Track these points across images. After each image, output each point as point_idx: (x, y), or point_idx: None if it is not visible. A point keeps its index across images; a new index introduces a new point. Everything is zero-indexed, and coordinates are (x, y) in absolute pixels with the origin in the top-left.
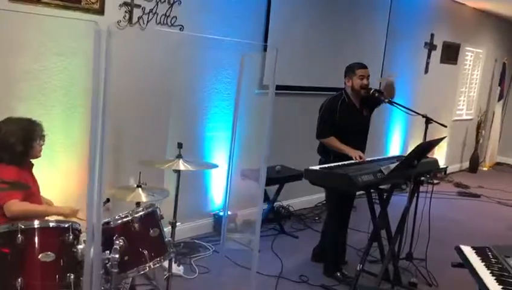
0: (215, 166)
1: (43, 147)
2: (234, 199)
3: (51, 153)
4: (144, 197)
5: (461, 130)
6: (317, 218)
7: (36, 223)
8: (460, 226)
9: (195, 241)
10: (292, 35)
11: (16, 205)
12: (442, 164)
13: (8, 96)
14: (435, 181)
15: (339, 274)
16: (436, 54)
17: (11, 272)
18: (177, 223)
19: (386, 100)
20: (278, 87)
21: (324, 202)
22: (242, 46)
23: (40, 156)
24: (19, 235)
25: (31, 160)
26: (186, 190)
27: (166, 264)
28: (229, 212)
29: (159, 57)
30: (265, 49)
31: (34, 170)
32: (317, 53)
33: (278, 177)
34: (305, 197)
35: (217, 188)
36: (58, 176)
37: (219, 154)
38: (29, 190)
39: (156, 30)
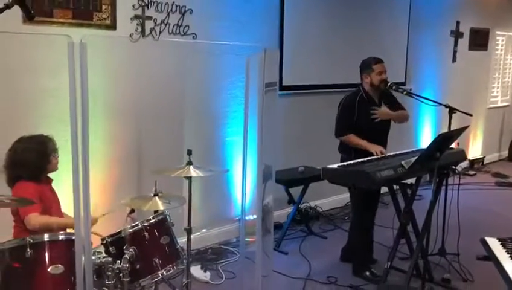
0: (227, 170)
1: (58, 159)
2: (258, 202)
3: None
4: (160, 206)
5: (497, 117)
6: (346, 217)
7: (46, 237)
8: (499, 218)
9: (222, 246)
10: (308, 33)
11: (36, 219)
12: (478, 154)
13: (27, 115)
14: (471, 172)
15: (368, 273)
16: (464, 42)
17: (22, 285)
18: (203, 230)
19: (405, 92)
20: (297, 87)
21: None
22: (257, 51)
23: (56, 169)
24: (28, 250)
25: (48, 175)
26: (209, 196)
27: (193, 271)
28: (254, 216)
29: (174, 66)
30: (280, 51)
31: (55, 184)
32: (336, 49)
33: (302, 178)
34: (333, 197)
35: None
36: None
37: (239, 159)
38: (49, 205)
39: (169, 40)
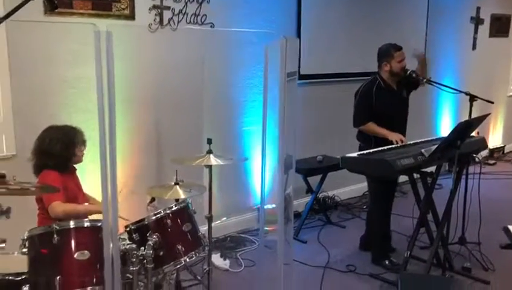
0: (246, 159)
1: (84, 152)
2: (276, 192)
3: (94, 156)
4: (181, 194)
5: None
6: (365, 207)
7: (71, 224)
8: None
9: (241, 235)
10: (326, 21)
11: (59, 207)
12: (498, 143)
13: (48, 105)
14: (491, 161)
15: (387, 262)
16: (484, 28)
17: (50, 271)
18: (223, 218)
19: (425, 80)
20: (315, 76)
21: None
22: (275, 39)
23: (81, 161)
24: (55, 236)
25: (74, 165)
26: (229, 185)
27: (213, 259)
28: (272, 205)
29: (192, 56)
30: (298, 38)
31: (81, 174)
32: (354, 37)
33: (320, 168)
34: (352, 186)
35: (260, 182)
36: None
37: (259, 148)
38: (73, 194)
39: (187, 30)
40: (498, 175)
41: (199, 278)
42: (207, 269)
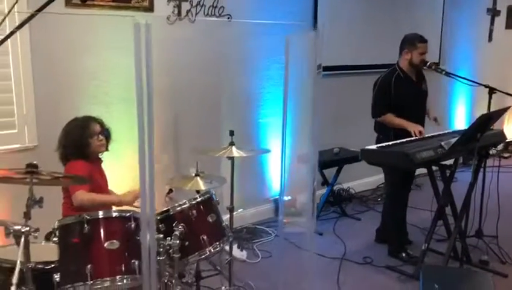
0: (268, 151)
1: (104, 142)
2: (293, 184)
3: (115, 148)
4: (202, 185)
5: None
6: (379, 199)
7: (100, 214)
8: None
9: (257, 226)
10: (342, 12)
11: (83, 195)
12: None
13: (70, 96)
14: (506, 155)
15: (403, 254)
16: (501, 20)
17: (81, 259)
18: (240, 210)
19: (444, 72)
20: (331, 68)
21: None
22: (291, 30)
23: (102, 151)
24: (86, 226)
25: (99, 156)
26: (245, 176)
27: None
28: (288, 197)
29: (210, 47)
30: (315, 29)
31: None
32: (370, 29)
33: (337, 160)
34: (366, 179)
35: (276, 174)
36: (122, 169)
37: (274, 140)
38: (97, 184)
39: (205, 22)
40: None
41: (219, 268)
42: (228, 259)
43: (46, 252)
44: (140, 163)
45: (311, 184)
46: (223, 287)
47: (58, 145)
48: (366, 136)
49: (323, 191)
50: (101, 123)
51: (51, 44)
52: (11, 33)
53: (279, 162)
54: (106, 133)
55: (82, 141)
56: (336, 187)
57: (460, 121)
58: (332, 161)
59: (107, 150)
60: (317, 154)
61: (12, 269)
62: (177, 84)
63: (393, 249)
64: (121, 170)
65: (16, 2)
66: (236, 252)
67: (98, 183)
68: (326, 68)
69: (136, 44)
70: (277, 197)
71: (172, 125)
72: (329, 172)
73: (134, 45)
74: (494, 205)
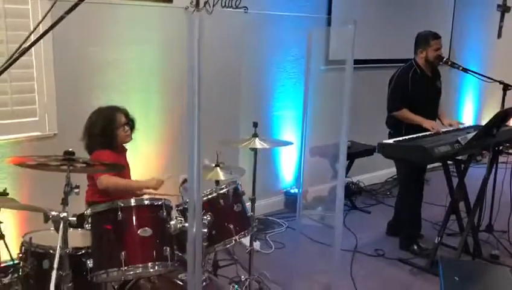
0: (290, 143)
1: (129, 132)
2: (304, 176)
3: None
4: (222, 176)
5: None
6: (388, 193)
7: (132, 201)
8: None
9: (269, 218)
10: (356, 6)
11: (108, 179)
12: None
13: (90, 86)
14: (508, 151)
15: (415, 247)
16: (510, 16)
17: (115, 246)
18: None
19: (460, 68)
20: (343, 62)
21: (395, 176)
22: (305, 23)
23: (127, 141)
24: (119, 213)
25: (124, 145)
26: (257, 168)
27: (243, 240)
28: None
29: (226, 39)
30: (329, 24)
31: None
32: (382, 24)
33: (349, 153)
34: (375, 173)
35: (287, 166)
36: (140, 159)
37: (287, 133)
38: (123, 173)
39: (222, 13)
40: None
41: (236, 258)
42: (249, 249)
43: (74, 238)
44: (190, 153)
45: (342, 178)
46: (242, 277)
47: (84, 135)
48: (377, 129)
49: (333, 184)
50: (126, 113)
51: (73, 33)
52: (61, 18)
53: (290, 155)
54: (131, 123)
55: (108, 133)
56: (345, 180)
57: (468, 116)
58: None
59: (131, 138)
60: (346, 148)
61: (44, 255)
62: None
63: (405, 242)
64: (134, 159)
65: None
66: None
67: (124, 172)
68: (338, 62)
69: (190, 37)
70: (288, 189)
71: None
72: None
73: (188, 38)
74: (506, 200)
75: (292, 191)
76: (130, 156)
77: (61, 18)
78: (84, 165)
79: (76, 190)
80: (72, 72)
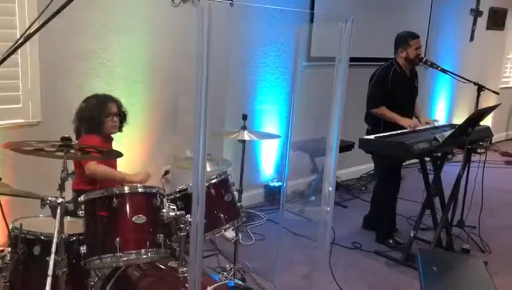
0: (278, 136)
1: (117, 124)
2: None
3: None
4: (208, 167)
5: (508, 97)
6: (364, 188)
7: (127, 189)
8: (510, 195)
9: (249, 210)
10: (338, 5)
11: (96, 166)
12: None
13: (75, 74)
14: (481, 150)
15: (391, 241)
16: (482, 21)
17: (109, 232)
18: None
19: (439, 68)
20: (326, 59)
21: (370, 172)
22: (288, 20)
23: (113, 132)
24: (115, 199)
25: (111, 135)
26: (238, 161)
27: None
28: (280, 183)
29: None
30: (311, 20)
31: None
32: (362, 23)
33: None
34: (351, 168)
35: (268, 160)
36: (123, 149)
37: (269, 127)
38: (108, 161)
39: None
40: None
41: (219, 248)
42: (234, 239)
43: (69, 225)
44: (196, 143)
45: (333, 175)
46: (227, 265)
47: (75, 118)
48: (355, 126)
49: (313, 177)
50: (119, 105)
51: (58, 22)
52: (49, 19)
53: (271, 148)
54: (122, 115)
55: (96, 118)
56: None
57: (441, 114)
58: (323, 149)
59: (120, 131)
60: (338, 143)
61: (35, 241)
62: (178, 67)
63: (381, 236)
64: (119, 148)
65: None
66: (231, 234)
67: (109, 161)
68: (319, 59)
69: (199, 27)
70: (268, 182)
71: (172, 107)
72: (320, 160)
73: (197, 28)
74: (477, 197)
75: (272, 184)
76: (114, 146)
77: (50, 19)
78: (79, 151)
79: (73, 176)
80: (57, 60)
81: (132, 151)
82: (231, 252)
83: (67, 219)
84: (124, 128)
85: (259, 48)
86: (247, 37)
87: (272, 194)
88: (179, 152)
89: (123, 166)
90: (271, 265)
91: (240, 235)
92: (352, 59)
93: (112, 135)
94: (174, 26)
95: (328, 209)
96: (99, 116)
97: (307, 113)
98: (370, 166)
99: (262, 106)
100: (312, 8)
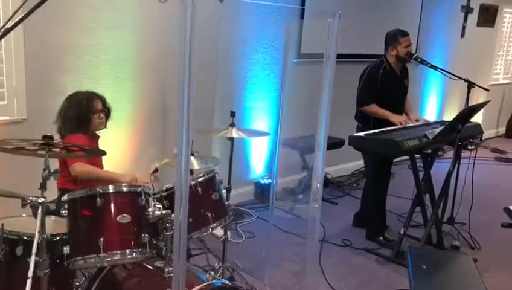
0: (267, 134)
1: (104, 120)
2: (321, 171)
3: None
4: (196, 165)
5: (498, 94)
6: (355, 185)
7: (111, 188)
8: (500, 191)
9: (239, 208)
10: (328, 1)
11: (81, 166)
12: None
13: (60, 71)
14: (471, 147)
15: (381, 238)
16: (473, 17)
17: (93, 232)
18: (223, 191)
19: (429, 64)
20: (314, 56)
21: (361, 169)
22: (279, 16)
23: (101, 129)
24: (98, 199)
25: (96, 132)
26: (227, 159)
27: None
28: (270, 180)
29: (199, 28)
30: (302, 17)
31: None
32: (353, 20)
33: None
34: (341, 165)
35: (258, 157)
36: (110, 147)
37: (259, 124)
38: (94, 160)
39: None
40: (477, 160)
41: (209, 247)
42: (223, 237)
43: (52, 224)
44: (179, 140)
45: (321, 172)
46: (216, 264)
47: (57, 118)
48: (346, 123)
49: (303, 175)
50: (103, 101)
51: (43, 17)
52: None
53: (261, 146)
54: (107, 111)
55: (83, 117)
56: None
57: (431, 111)
58: (313, 146)
59: (105, 127)
60: (326, 139)
61: (17, 241)
62: (167, 64)
63: (371, 233)
64: (103, 146)
65: None
66: (221, 232)
67: (95, 159)
68: (310, 55)
69: (182, 22)
70: (258, 179)
71: (159, 103)
72: (311, 157)
73: (180, 23)
74: (467, 194)
75: (262, 181)
76: (100, 144)
77: (32, 11)
78: (63, 150)
79: (56, 175)
80: (42, 56)
81: (120, 148)
82: (221, 250)
83: (52, 218)
84: (110, 126)
85: (249, 44)
86: (237, 33)
87: (263, 192)
88: (167, 149)
89: (111, 164)
90: (261, 263)
91: (229, 233)
92: (343, 56)
93: (98, 133)
94: (161, 22)
95: (316, 205)
96: (85, 114)
97: (297, 110)
98: (361, 163)
99: (252, 102)
100: (303, 4)
